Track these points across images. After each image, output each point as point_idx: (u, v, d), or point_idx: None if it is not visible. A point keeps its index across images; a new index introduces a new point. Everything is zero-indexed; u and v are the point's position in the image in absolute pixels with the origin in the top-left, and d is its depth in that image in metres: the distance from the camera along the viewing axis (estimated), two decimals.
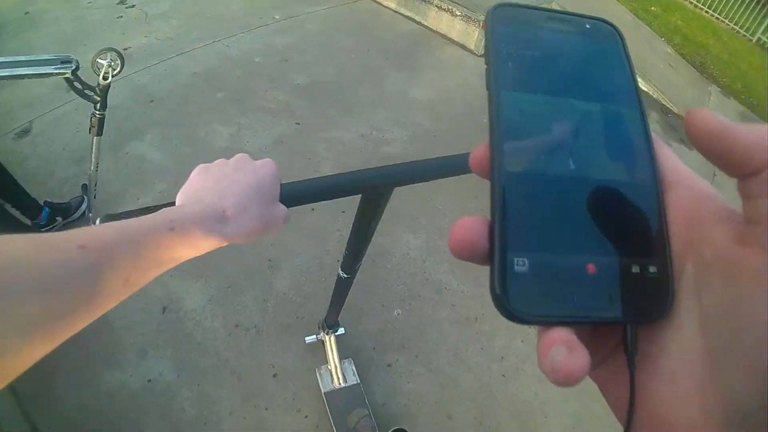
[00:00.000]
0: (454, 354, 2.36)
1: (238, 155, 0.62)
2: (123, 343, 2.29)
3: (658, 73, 5.22)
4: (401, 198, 2.85)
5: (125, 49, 4.51)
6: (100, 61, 2.23)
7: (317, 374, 2.08)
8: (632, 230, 0.27)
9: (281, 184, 0.64)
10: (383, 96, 3.78)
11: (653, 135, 0.29)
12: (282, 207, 0.62)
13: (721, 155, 0.24)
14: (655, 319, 0.25)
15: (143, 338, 2.31)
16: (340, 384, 2.05)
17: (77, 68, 2.16)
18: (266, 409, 2.08)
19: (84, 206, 2.90)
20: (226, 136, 3.39)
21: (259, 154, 3.18)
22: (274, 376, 2.18)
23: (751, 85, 6.16)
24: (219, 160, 0.61)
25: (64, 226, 2.81)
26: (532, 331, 2.46)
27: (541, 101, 0.29)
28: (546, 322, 0.25)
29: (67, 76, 2.14)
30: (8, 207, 2.45)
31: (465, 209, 2.94)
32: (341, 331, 2.06)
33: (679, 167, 0.28)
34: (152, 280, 0.47)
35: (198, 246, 0.51)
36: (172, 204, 0.58)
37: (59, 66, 2.12)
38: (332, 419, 1.98)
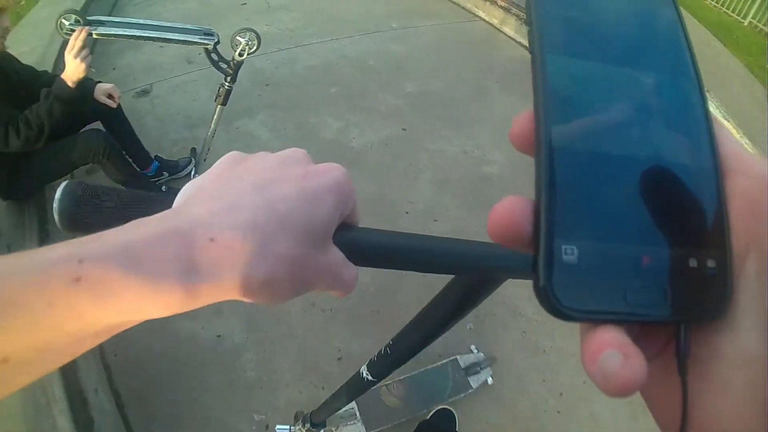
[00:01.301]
0: (517, 379, 2.30)
1: (294, 149, 0.38)
2: None
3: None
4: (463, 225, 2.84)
5: None
6: (238, 38, 2.36)
7: None
8: (691, 219, 0.24)
9: (344, 224, 0.38)
10: (490, 116, 3.77)
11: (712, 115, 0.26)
12: (336, 252, 0.36)
13: None
14: (711, 318, 0.22)
15: None
16: None
17: (218, 42, 2.31)
18: (323, 388, 2.09)
19: (190, 167, 3.06)
20: (335, 129, 3.48)
21: (365, 152, 3.28)
22: (339, 359, 2.20)
23: None
24: (261, 153, 0.38)
25: (169, 182, 3.00)
26: None
27: (592, 68, 0.26)
28: (595, 319, 0.22)
29: (208, 47, 2.28)
30: (125, 153, 2.63)
31: None
32: None
33: (740, 151, 0.25)
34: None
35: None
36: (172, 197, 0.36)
37: (203, 37, 2.26)
38: None
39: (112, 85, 2.51)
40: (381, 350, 0.90)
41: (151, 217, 0.29)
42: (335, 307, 2.37)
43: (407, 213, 2.86)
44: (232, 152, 0.37)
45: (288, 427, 1.73)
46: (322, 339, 2.26)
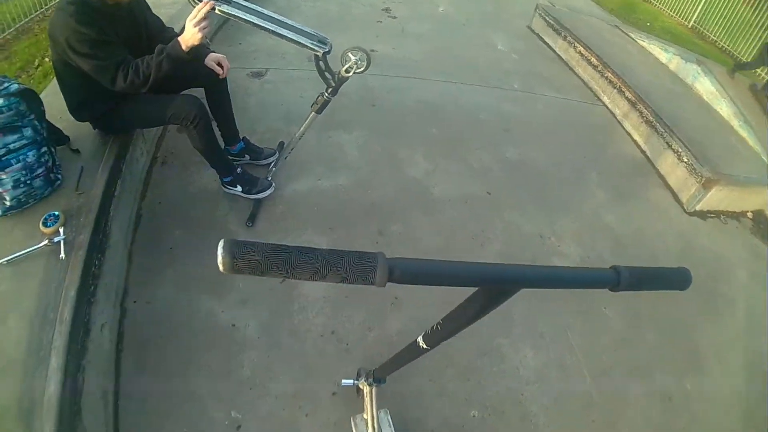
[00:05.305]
0: None
1: None
2: (233, 284, 2.42)
3: None
4: (539, 310, 2.69)
5: (372, 50, 4.79)
6: (350, 55, 2.36)
7: (352, 423, 1.96)
8: None
9: (394, 258, 0.59)
10: (578, 207, 3.56)
11: None
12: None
13: None
14: None
15: (251, 291, 2.41)
16: None
17: (329, 51, 2.31)
18: (306, 415, 2.03)
19: (273, 158, 3.11)
20: (421, 170, 3.44)
21: (443, 203, 3.21)
22: (333, 394, 2.12)
23: None
24: None
25: (248, 165, 3.05)
26: None
27: None
28: None
29: (318, 54, 2.30)
30: (215, 125, 2.69)
31: (599, 345, 2.60)
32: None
33: None
34: None
35: None
36: None
37: (316, 43, 2.27)
38: None
39: (223, 56, 2.61)
40: (434, 326, 1.07)
41: None
42: (352, 342, 2.31)
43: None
44: None
45: (352, 381, 1.98)
46: (327, 368, 2.20)
